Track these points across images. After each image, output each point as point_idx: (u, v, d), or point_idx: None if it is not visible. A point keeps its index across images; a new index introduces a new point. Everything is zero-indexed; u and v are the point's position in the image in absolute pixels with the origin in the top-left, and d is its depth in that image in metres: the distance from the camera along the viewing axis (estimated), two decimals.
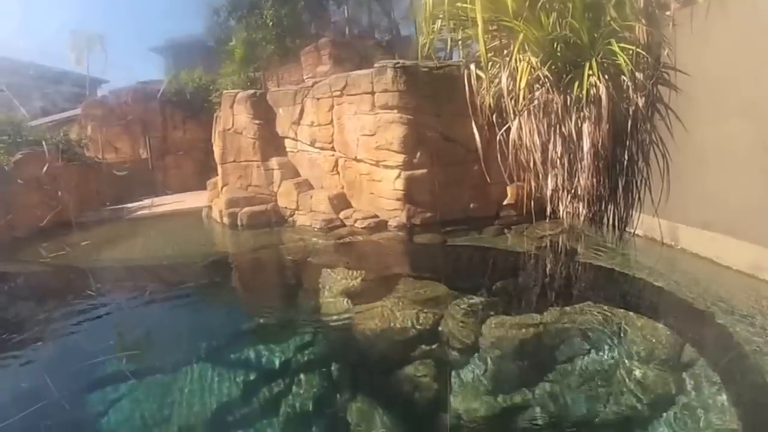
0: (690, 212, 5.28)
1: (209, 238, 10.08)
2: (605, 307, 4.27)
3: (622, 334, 3.95)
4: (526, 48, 5.41)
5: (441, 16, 6.08)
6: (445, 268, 6.37)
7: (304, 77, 12.41)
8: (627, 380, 3.53)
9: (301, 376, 4.02)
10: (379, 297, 5.00)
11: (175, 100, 16.55)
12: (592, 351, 3.84)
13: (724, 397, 3.13)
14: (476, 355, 3.97)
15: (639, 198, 5.74)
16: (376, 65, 8.12)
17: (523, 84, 5.29)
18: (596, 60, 5.14)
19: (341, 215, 8.73)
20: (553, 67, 5.41)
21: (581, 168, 5.34)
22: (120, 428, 3.68)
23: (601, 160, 5.31)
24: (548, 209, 6.11)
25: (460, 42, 6.79)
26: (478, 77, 6.09)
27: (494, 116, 6.02)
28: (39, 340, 5.24)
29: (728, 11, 4.57)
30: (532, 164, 5.71)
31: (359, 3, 16.16)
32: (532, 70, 5.30)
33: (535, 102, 5.46)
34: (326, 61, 12.29)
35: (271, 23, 14.06)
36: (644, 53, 5.12)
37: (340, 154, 9.07)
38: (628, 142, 5.38)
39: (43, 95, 20.32)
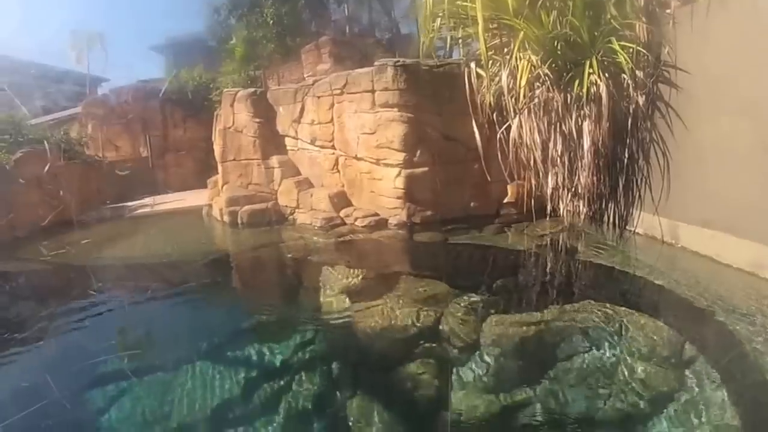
0: (690, 210, 5.28)
1: (209, 236, 10.09)
2: (605, 305, 4.27)
3: (622, 332, 3.95)
4: (527, 46, 5.41)
5: (441, 14, 6.07)
6: (445, 267, 6.37)
7: (305, 75, 12.40)
8: (627, 378, 3.53)
9: (302, 374, 4.02)
10: (380, 295, 5.01)
11: (175, 98, 16.54)
12: (593, 349, 3.84)
13: (725, 394, 3.14)
14: (477, 353, 3.97)
15: (639, 196, 5.75)
16: (376, 63, 8.11)
17: (523, 82, 5.29)
18: (596, 58, 5.14)
19: (342, 213, 8.73)
20: (554, 65, 5.41)
21: (581, 166, 5.34)
22: (121, 425, 3.68)
23: (601, 158, 5.31)
24: (549, 207, 6.11)
25: (460, 40, 6.79)
26: (479, 75, 6.08)
27: (495, 114, 6.02)
28: (39, 338, 5.24)
29: (728, 9, 4.57)
30: (532, 162, 5.71)
31: (360, 1, 16.16)
32: (533, 68, 5.30)
33: (536, 100, 5.46)
34: (327, 60, 12.29)
35: (271, 21, 14.06)
36: (644, 51, 5.12)
37: (341, 152, 9.07)
38: (628, 141, 5.38)
39: (44, 94, 20.33)
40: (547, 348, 3.93)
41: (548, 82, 5.31)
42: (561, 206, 5.82)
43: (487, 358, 3.89)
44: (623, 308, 4.21)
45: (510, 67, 5.53)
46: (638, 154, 5.59)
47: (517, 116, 5.61)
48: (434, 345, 4.15)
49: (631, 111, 5.29)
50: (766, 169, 4.32)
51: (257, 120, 10.34)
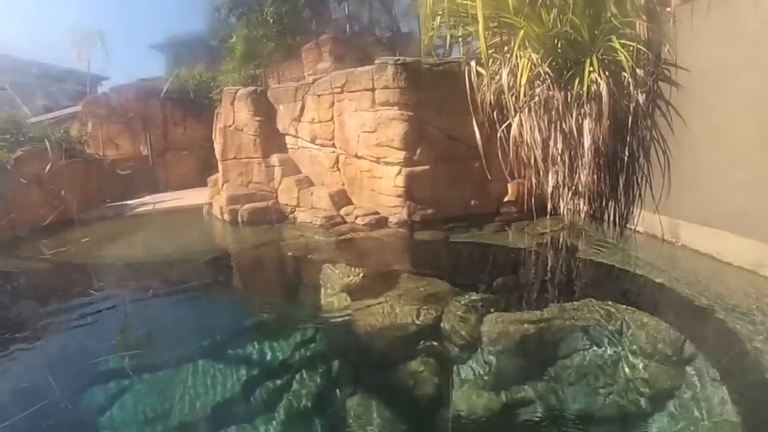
0: (690, 208, 5.28)
1: (210, 234, 10.10)
2: (606, 304, 4.27)
3: (622, 331, 3.96)
4: (527, 45, 5.40)
5: (441, 12, 6.06)
6: (446, 265, 6.38)
7: (305, 74, 12.40)
8: (628, 375, 3.54)
9: (303, 372, 4.04)
10: (380, 293, 5.02)
11: (175, 97, 16.53)
12: (593, 347, 3.85)
13: (724, 391, 3.14)
14: (477, 351, 3.98)
15: (639, 194, 5.74)
16: (376, 62, 8.11)
17: (523, 81, 5.28)
18: (597, 56, 5.13)
19: (342, 212, 8.74)
20: (554, 63, 5.40)
21: (582, 165, 5.34)
22: (123, 423, 3.69)
23: (601, 156, 5.31)
24: (549, 206, 6.11)
25: (460, 39, 6.77)
26: (479, 74, 6.07)
27: (495, 113, 6.01)
28: (38, 337, 5.25)
29: (729, 7, 4.57)
30: (532, 161, 5.70)
31: (360, 0, 16.15)
32: (533, 66, 5.29)
33: (536, 99, 5.45)
34: (327, 58, 12.28)
35: (271, 20, 14.06)
36: (645, 49, 5.11)
37: (341, 150, 9.07)
38: (628, 139, 5.37)
39: (46, 93, 20.31)
40: (547, 346, 3.93)
41: (549, 81, 5.30)
42: (561, 204, 5.81)
43: (487, 357, 3.90)
44: (624, 306, 4.22)
45: (510, 66, 5.52)
46: (638, 153, 5.58)
47: (518, 115, 5.60)
48: (435, 343, 4.15)
49: (631, 109, 5.28)
50: (767, 166, 4.32)
51: (258, 118, 10.34)
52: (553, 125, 5.42)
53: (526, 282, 5.45)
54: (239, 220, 9.63)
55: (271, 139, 10.39)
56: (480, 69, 6.03)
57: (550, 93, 5.32)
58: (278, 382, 4.00)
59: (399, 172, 7.93)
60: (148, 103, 16.48)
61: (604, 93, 5.01)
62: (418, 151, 7.86)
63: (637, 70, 5.12)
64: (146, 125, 16.44)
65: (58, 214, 11.11)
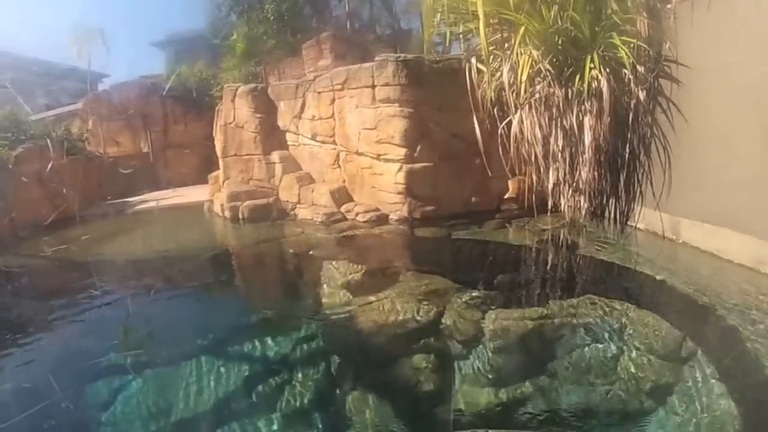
0: (691, 206, 5.28)
1: (211, 232, 10.10)
2: (606, 301, 4.28)
3: (623, 327, 3.96)
4: (528, 41, 5.38)
5: (440, 9, 6.04)
6: (446, 262, 6.38)
7: (306, 71, 12.39)
8: (628, 371, 3.55)
9: (304, 368, 4.05)
10: (381, 290, 5.03)
11: (176, 94, 16.51)
12: (593, 343, 3.86)
13: (723, 387, 3.15)
14: (478, 347, 3.99)
15: (640, 192, 5.72)
16: (377, 59, 8.11)
17: (524, 77, 5.26)
18: (597, 53, 5.11)
19: (342, 209, 8.75)
20: (555, 60, 5.38)
21: (583, 161, 5.32)
22: (127, 418, 3.70)
23: (602, 153, 5.29)
24: (549, 203, 6.10)
25: (460, 36, 6.76)
26: (479, 71, 6.06)
27: (495, 110, 5.99)
28: (38, 334, 5.25)
29: (729, 4, 4.56)
30: (533, 158, 5.68)
31: None
32: (534, 63, 5.27)
33: (537, 95, 5.43)
34: (327, 56, 12.27)
35: (272, 18, 14.05)
36: (645, 46, 5.09)
37: (342, 147, 9.08)
38: (629, 136, 5.36)
39: (47, 91, 20.32)
40: (548, 342, 3.95)
41: (549, 78, 5.29)
42: (562, 202, 5.79)
43: (488, 353, 3.91)
44: (624, 303, 4.23)
45: (511, 63, 5.49)
46: (639, 150, 5.56)
47: (518, 111, 5.58)
48: (436, 340, 4.17)
49: (632, 106, 5.26)
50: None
51: (258, 115, 10.35)
52: (553, 122, 5.40)
53: (526, 279, 5.45)
54: (240, 217, 9.65)
55: (272, 136, 10.40)
56: (480, 66, 6.02)
57: (551, 90, 5.30)
58: (279, 378, 4.00)
59: (399, 169, 7.93)
60: (149, 100, 16.46)
61: (605, 90, 5.00)
62: (419, 148, 7.86)
63: (638, 67, 5.11)
64: (147, 122, 16.42)
65: (59, 213, 11.10)
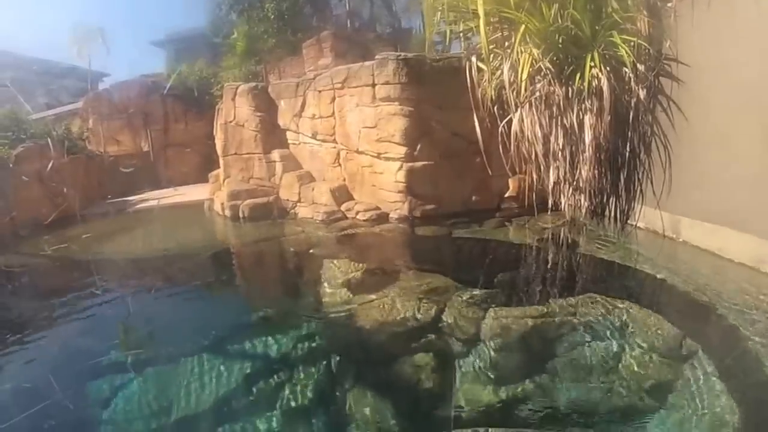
0: (692, 205, 5.28)
1: (211, 230, 10.11)
2: (607, 299, 4.29)
3: (623, 326, 3.97)
4: (528, 40, 5.38)
5: (441, 8, 6.04)
6: (447, 261, 6.39)
7: (306, 70, 12.38)
8: (628, 369, 3.55)
9: (304, 366, 4.05)
10: (382, 288, 5.03)
11: (176, 93, 16.51)
12: (594, 341, 3.86)
13: (723, 385, 3.15)
14: (479, 345, 3.99)
15: (641, 190, 5.72)
16: (377, 57, 8.10)
17: (524, 76, 5.26)
18: (598, 52, 5.11)
19: (343, 207, 8.75)
20: (555, 58, 5.38)
21: (583, 160, 5.32)
22: (127, 416, 3.70)
23: (602, 152, 5.29)
24: (550, 201, 6.10)
25: (461, 34, 6.76)
26: (480, 69, 6.05)
27: (496, 108, 5.99)
28: (37, 332, 5.26)
29: (730, 3, 4.56)
30: (533, 156, 5.68)
31: None
32: (534, 62, 5.27)
33: (537, 94, 5.43)
34: (328, 54, 12.25)
35: (272, 16, 14.05)
36: (646, 45, 5.09)
37: (342, 146, 9.08)
38: (629, 134, 5.35)
39: (47, 91, 20.31)
40: (548, 341, 3.95)
41: (549, 76, 5.28)
42: (562, 200, 5.79)
43: (489, 351, 3.91)
44: (624, 302, 4.23)
45: (511, 61, 5.49)
46: (639, 148, 5.56)
47: (519, 110, 5.58)
48: (436, 338, 4.17)
49: (632, 105, 5.26)
50: None
51: (259, 114, 10.35)
52: (554, 120, 5.40)
53: (527, 277, 5.45)
54: (240, 215, 9.65)
55: (272, 135, 10.40)
56: (481, 64, 6.02)
57: (551, 88, 5.30)
58: (280, 377, 4.00)
59: (400, 168, 7.93)
60: (150, 99, 16.45)
61: (605, 88, 4.99)
62: (419, 146, 7.86)
63: (638, 66, 5.10)
64: (147, 121, 16.41)
65: (59, 211, 11.10)
